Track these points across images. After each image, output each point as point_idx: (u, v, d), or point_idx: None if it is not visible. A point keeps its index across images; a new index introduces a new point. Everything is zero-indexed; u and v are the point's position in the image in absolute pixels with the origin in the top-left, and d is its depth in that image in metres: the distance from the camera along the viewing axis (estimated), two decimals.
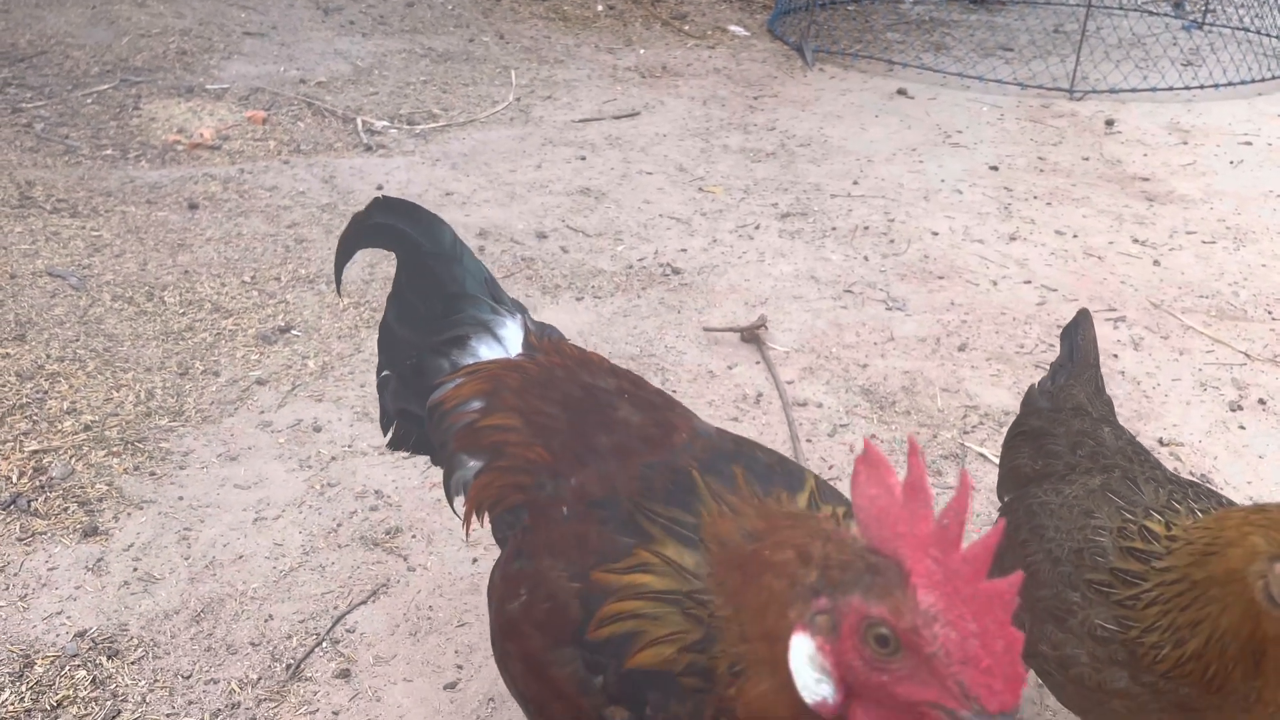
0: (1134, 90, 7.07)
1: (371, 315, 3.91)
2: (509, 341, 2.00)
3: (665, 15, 8.59)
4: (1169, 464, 3.27)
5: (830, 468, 3.27)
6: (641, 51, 7.72)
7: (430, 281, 2.07)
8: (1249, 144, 6.27)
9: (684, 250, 4.68)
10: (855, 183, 5.53)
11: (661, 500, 1.53)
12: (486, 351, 1.99)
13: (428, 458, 2.18)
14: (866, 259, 4.68)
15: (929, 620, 1.10)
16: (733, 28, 8.48)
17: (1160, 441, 3.45)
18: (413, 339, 2.09)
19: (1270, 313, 4.34)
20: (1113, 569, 1.71)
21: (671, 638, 1.37)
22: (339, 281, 2.33)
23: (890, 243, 4.86)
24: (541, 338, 2.03)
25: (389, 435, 2.18)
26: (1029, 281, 4.51)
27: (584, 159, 5.63)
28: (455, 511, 1.96)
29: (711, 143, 6.03)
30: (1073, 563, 1.75)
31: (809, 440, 3.38)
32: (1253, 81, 7.34)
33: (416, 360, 2.06)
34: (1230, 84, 7.21)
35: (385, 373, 2.17)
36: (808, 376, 3.75)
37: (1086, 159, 5.99)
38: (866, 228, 4.99)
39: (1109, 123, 6.55)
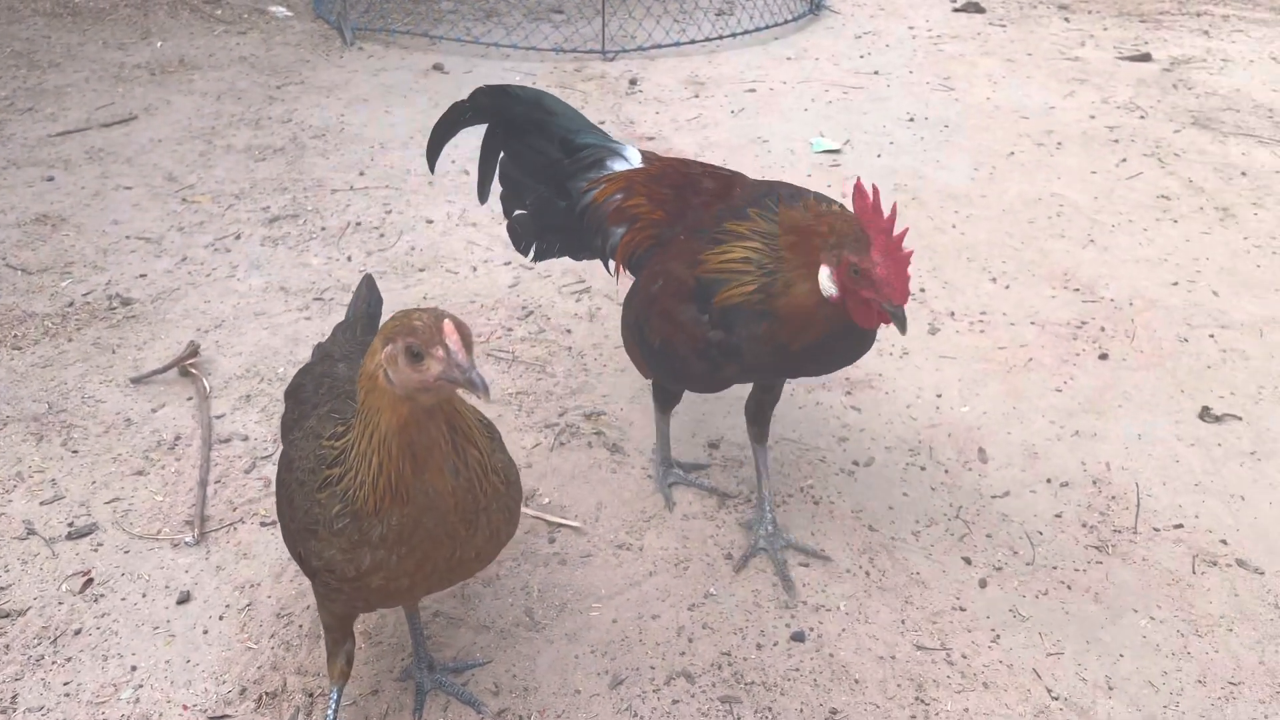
0: (659, 46, 7.29)
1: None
2: (631, 158, 3.08)
3: (196, 0, 7.99)
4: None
5: (235, 509, 3.09)
6: (159, 44, 7.14)
7: (547, 135, 3.12)
8: (753, 91, 6.61)
9: (143, 275, 4.32)
10: (361, 174, 5.35)
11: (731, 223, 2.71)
12: (619, 166, 3.06)
13: None
14: (350, 259, 4.52)
15: (877, 263, 2.31)
16: (274, 8, 8.03)
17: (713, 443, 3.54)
18: (537, 180, 3.15)
19: None
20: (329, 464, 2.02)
21: (751, 280, 2.53)
22: (434, 160, 3.28)
23: (380, 236, 4.73)
24: (649, 153, 3.11)
25: (531, 253, 3.27)
26: (509, 263, 4.51)
27: (52, 180, 5.10)
28: (609, 271, 3.06)
29: (214, 144, 5.65)
30: (313, 473, 2.04)
31: (219, 481, 3.19)
32: (769, 26, 7.73)
33: (547, 191, 3.13)
34: (747, 31, 7.58)
35: (518, 213, 3.24)
36: (243, 406, 3.55)
37: (603, 122, 6.09)
38: (359, 224, 4.83)
39: (632, 82, 6.71)
